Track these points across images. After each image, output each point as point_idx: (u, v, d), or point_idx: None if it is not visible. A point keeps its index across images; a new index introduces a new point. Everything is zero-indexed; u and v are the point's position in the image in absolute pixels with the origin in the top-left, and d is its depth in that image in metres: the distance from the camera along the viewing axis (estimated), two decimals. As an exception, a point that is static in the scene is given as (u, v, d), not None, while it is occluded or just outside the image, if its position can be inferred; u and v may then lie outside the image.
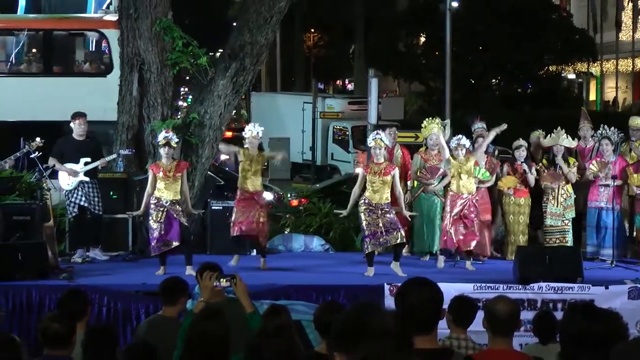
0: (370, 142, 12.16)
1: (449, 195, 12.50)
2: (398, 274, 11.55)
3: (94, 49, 20.61)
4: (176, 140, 12.27)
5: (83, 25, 20.57)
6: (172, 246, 11.88)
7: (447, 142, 13.47)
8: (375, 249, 11.92)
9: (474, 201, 12.44)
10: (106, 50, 19.42)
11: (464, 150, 12.51)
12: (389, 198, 12.00)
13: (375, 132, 12.50)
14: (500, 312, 5.64)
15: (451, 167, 12.50)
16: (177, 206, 11.93)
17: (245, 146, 12.46)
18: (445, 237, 12.38)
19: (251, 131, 12.40)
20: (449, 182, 12.54)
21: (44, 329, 6.15)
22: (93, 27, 20.06)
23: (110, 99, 15.84)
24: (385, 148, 12.11)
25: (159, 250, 11.88)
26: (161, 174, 11.93)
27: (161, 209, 11.88)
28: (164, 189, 11.92)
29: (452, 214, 12.34)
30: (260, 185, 12.47)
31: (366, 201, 11.90)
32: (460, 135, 12.85)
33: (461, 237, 12.33)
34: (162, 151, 12.04)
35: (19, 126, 17.67)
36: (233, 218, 12.35)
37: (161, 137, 12.16)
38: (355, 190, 12.19)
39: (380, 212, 11.81)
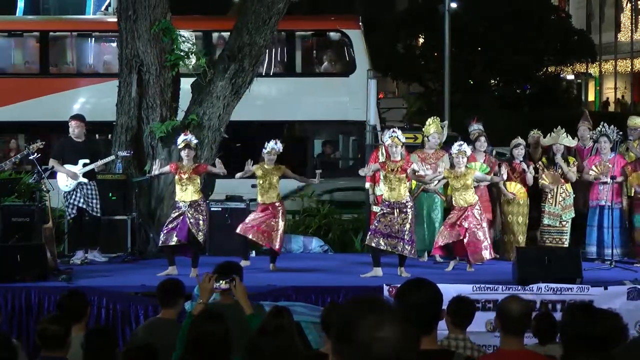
0: (387, 139, 12.08)
1: (453, 208, 12.41)
2: (402, 276, 11.53)
3: (335, 49, 20.38)
4: (195, 141, 12.29)
5: (325, 25, 20.57)
6: (174, 242, 11.92)
7: (445, 142, 13.50)
8: (371, 243, 11.89)
9: (473, 211, 12.25)
10: (348, 50, 19.34)
11: (465, 159, 12.29)
12: (407, 195, 11.97)
13: (391, 129, 12.37)
14: (514, 311, 5.65)
15: (449, 181, 12.35)
16: (192, 209, 11.96)
17: (263, 161, 12.45)
18: (436, 245, 12.37)
19: (273, 148, 12.43)
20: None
21: (41, 331, 6.17)
22: (335, 27, 20.02)
23: (352, 99, 15.97)
24: (401, 146, 12.09)
25: (161, 242, 12.00)
26: (177, 176, 12.00)
27: (178, 211, 12.00)
28: (180, 192, 12.01)
29: (449, 222, 12.33)
30: (276, 196, 12.44)
31: (385, 203, 11.91)
32: (461, 142, 12.67)
33: (454, 244, 12.29)
34: (183, 154, 12.07)
35: (265, 126, 17.85)
36: (246, 219, 12.42)
37: (180, 140, 12.18)
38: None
39: (397, 211, 11.80)
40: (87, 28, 20.47)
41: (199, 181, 12.11)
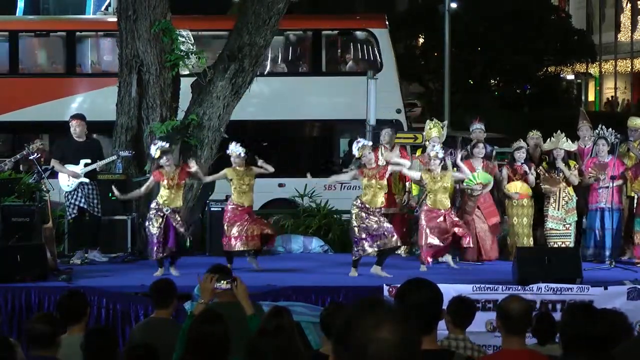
0: (356, 153, 12.04)
1: (424, 209, 12.25)
2: (381, 276, 11.50)
3: (360, 48, 20.31)
4: (167, 144, 12.24)
5: (352, 24, 20.58)
6: (167, 253, 11.99)
7: (444, 142, 13.51)
8: (363, 254, 11.87)
9: (450, 214, 12.24)
10: (375, 49, 19.34)
11: (437, 161, 12.21)
12: (384, 202, 12.01)
13: (355, 142, 12.22)
14: (514, 310, 5.65)
15: (425, 183, 12.28)
16: (176, 215, 11.97)
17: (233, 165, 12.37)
18: (421, 252, 12.25)
19: (233, 151, 12.31)
20: (426, 196, 12.36)
21: (28, 330, 6.20)
22: (361, 26, 19.99)
23: (379, 98, 16.07)
24: (371, 151, 12.04)
25: (156, 256, 11.99)
26: (165, 182, 11.95)
27: (161, 215, 11.95)
28: (167, 198, 11.96)
29: (428, 228, 12.15)
30: (252, 198, 12.40)
31: (360, 204, 11.86)
32: (434, 144, 12.72)
33: (439, 247, 12.23)
34: (163, 162, 12.02)
35: (285, 124, 17.81)
36: (227, 232, 12.22)
37: (153, 150, 12.12)
38: (344, 177, 12.60)
39: (375, 217, 11.79)
40: (112, 28, 20.42)
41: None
